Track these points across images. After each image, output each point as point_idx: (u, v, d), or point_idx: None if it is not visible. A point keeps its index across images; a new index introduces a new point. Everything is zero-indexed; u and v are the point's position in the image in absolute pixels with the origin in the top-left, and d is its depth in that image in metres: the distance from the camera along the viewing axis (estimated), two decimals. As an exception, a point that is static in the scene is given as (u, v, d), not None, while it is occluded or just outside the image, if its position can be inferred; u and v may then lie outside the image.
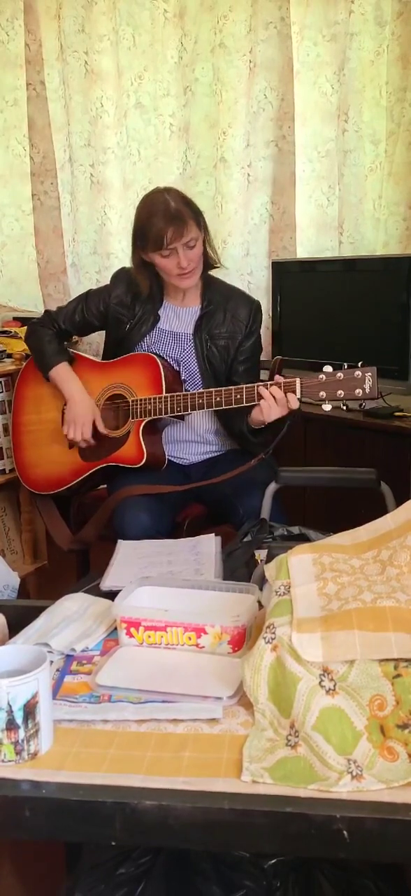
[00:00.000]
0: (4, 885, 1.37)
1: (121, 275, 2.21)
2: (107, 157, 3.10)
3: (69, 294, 3.13)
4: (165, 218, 1.95)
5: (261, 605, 1.14)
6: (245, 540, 1.50)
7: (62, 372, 2.17)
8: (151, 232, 1.97)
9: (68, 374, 2.16)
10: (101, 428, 2.09)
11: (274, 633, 0.95)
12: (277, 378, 1.89)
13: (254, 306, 2.17)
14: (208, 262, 2.12)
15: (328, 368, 1.84)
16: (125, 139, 3.13)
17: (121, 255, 3.12)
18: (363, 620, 0.92)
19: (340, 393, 1.83)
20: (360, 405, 1.87)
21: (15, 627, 1.16)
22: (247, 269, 3.15)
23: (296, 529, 1.52)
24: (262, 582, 1.21)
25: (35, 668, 0.88)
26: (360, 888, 1.11)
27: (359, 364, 1.82)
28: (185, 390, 2.08)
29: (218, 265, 2.16)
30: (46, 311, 2.32)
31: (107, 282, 2.27)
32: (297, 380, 1.86)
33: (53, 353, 2.18)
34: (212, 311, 2.12)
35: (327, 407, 1.86)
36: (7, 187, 3.19)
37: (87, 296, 2.23)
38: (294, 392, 1.85)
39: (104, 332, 2.25)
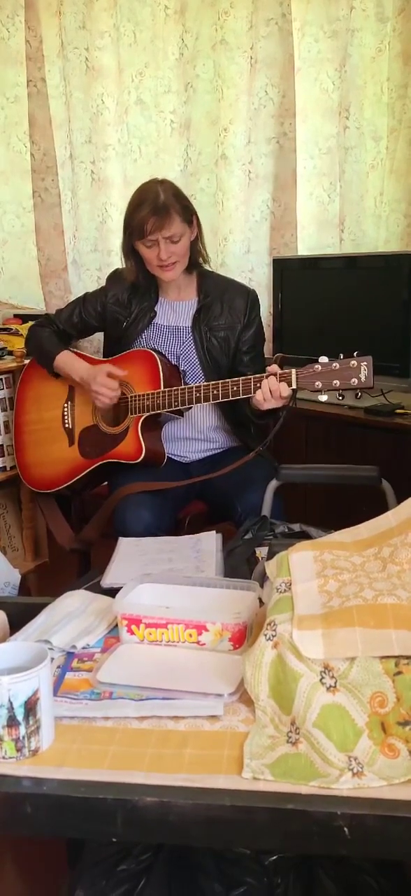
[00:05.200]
0: (6, 881, 1.37)
1: (116, 275, 2.23)
2: (107, 153, 3.10)
3: (70, 291, 3.13)
4: (150, 209, 1.97)
5: (261, 603, 1.14)
6: (246, 537, 1.50)
7: (66, 358, 2.18)
8: (135, 220, 2.00)
9: (73, 358, 2.17)
10: (118, 372, 2.06)
11: (275, 630, 0.95)
12: (274, 368, 1.89)
13: (251, 296, 2.17)
14: (197, 260, 2.13)
15: (324, 359, 1.84)
16: (126, 136, 3.13)
17: (122, 253, 3.12)
18: (364, 617, 0.92)
19: (336, 382, 1.84)
20: (357, 395, 1.87)
21: (16, 624, 1.16)
22: (248, 266, 3.15)
23: (296, 527, 1.52)
24: (263, 579, 1.21)
25: (36, 665, 0.88)
26: (361, 885, 1.11)
27: (355, 353, 1.82)
28: (185, 383, 2.08)
29: (207, 264, 2.17)
30: (45, 315, 2.35)
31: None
32: (293, 370, 1.87)
33: (54, 345, 2.20)
34: (208, 303, 2.13)
35: (323, 397, 1.87)
36: (8, 184, 3.18)
37: (85, 298, 2.25)
38: (289, 383, 1.86)
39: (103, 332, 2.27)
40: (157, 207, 1.97)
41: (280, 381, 1.86)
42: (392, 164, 2.97)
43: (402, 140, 2.91)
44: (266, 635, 0.95)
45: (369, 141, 3.00)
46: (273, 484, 1.81)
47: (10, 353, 2.70)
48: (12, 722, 0.86)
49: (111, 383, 2.06)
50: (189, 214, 2.04)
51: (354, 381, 1.82)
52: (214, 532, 1.56)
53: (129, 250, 2.10)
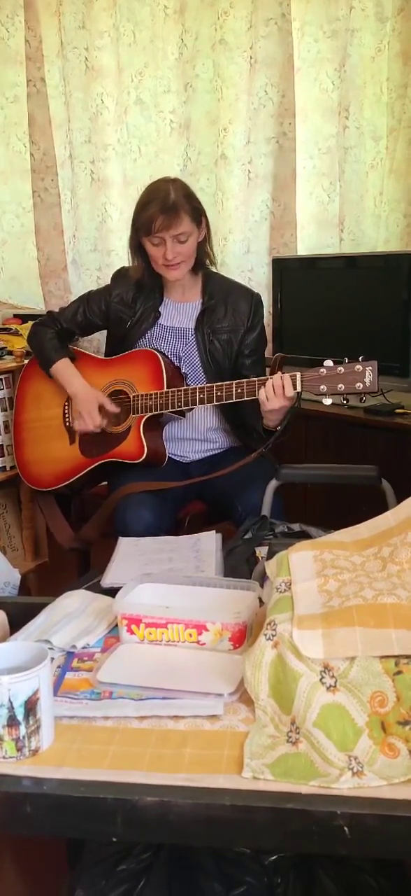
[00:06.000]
0: (6, 881, 1.37)
1: (121, 274, 2.23)
2: (107, 153, 3.10)
3: (70, 291, 3.13)
4: (159, 207, 1.97)
5: (261, 602, 1.15)
6: (246, 537, 1.50)
7: (63, 367, 2.17)
8: (143, 216, 2.00)
9: (70, 370, 2.17)
10: (110, 407, 2.08)
11: (275, 629, 0.95)
12: (279, 372, 1.90)
13: (255, 299, 2.17)
14: (203, 261, 2.13)
15: (328, 363, 1.84)
16: (125, 136, 3.13)
17: (122, 252, 3.11)
18: (364, 617, 0.92)
19: (341, 387, 1.84)
20: (361, 399, 1.87)
21: (16, 624, 1.16)
22: (247, 265, 3.15)
23: (296, 526, 1.52)
24: (263, 579, 1.21)
25: (36, 664, 0.88)
26: (361, 885, 1.11)
27: (360, 358, 1.82)
28: (187, 384, 2.08)
29: (213, 266, 2.17)
30: (49, 312, 2.34)
31: (108, 279, 2.29)
32: (298, 373, 1.87)
33: (54, 349, 2.19)
34: (213, 305, 2.13)
35: (327, 401, 1.87)
36: (7, 184, 3.18)
37: (89, 296, 2.25)
38: (294, 386, 1.86)
39: (105, 331, 2.27)
40: (167, 206, 1.96)
41: (283, 381, 1.86)
42: (391, 163, 2.97)
43: (402, 140, 2.91)
44: (266, 635, 0.95)
45: (369, 141, 3.00)
46: (273, 484, 1.81)
47: (10, 353, 2.70)
48: (12, 722, 0.86)
49: (96, 417, 2.08)
50: (198, 215, 2.04)
51: (359, 385, 1.82)
52: (214, 532, 1.56)
53: (136, 247, 2.10)
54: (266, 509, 1.77)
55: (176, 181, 2.06)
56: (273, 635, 0.94)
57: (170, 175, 2.17)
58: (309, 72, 3.01)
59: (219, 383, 1.98)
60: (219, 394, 1.97)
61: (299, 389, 1.86)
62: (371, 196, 3.04)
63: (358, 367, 1.82)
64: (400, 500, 1.17)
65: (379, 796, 0.80)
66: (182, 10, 3.02)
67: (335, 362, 1.84)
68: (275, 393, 1.86)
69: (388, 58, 2.92)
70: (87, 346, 2.84)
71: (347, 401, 1.87)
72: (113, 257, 3.12)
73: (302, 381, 1.86)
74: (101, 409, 2.09)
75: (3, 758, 0.87)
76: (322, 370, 1.85)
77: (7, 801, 0.84)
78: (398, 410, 2.55)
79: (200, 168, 3.13)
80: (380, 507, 1.22)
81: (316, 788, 0.81)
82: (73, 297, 2.54)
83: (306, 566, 1.05)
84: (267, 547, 1.38)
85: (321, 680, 0.89)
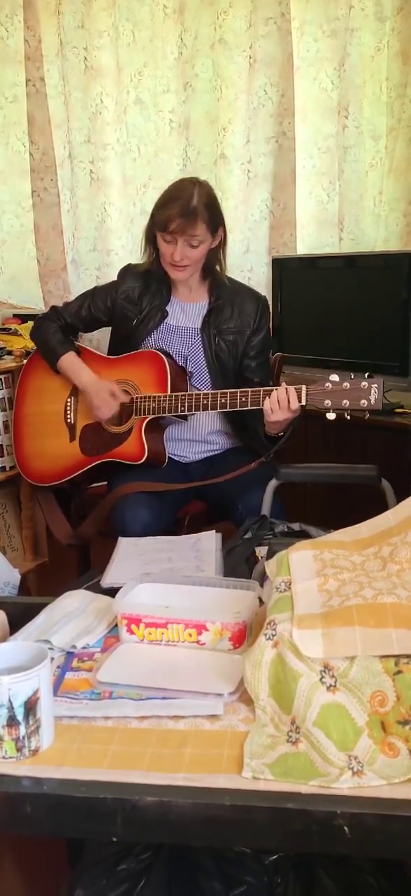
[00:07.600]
0: (6, 880, 1.37)
1: (128, 270, 2.22)
2: (106, 153, 3.10)
3: (69, 291, 3.13)
4: (179, 209, 1.96)
5: (261, 602, 1.15)
6: (245, 537, 1.50)
7: (70, 361, 2.17)
8: (162, 214, 2.00)
9: (77, 363, 2.17)
10: (121, 395, 2.08)
11: (274, 629, 0.95)
12: (283, 384, 1.90)
13: (262, 302, 2.17)
14: (213, 267, 2.13)
15: (334, 377, 1.84)
16: (125, 136, 3.13)
17: (122, 252, 3.11)
18: (364, 617, 0.92)
19: (345, 402, 1.83)
20: (365, 416, 1.87)
21: (16, 624, 1.16)
22: (247, 265, 3.15)
23: (296, 526, 1.52)
24: (263, 578, 1.21)
25: (36, 664, 0.88)
26: (361, 884, 1.11)
27: (366, 374, 1.82)
28: (192, 385, 2.08)
29: (220, 275, 2.16)
30: (52, 307, 2.32)
31: (107, 279, 2.28)
32: (303, 387, 1.87)
33: (59, 343, 2.19)
34: (219, 306, 2.13)
35: (331, 415, 1.86)
36: (7, 184, 3.18)
37: (94, 291, 2.24)
38: (299, 399, 1.86)
39: (108, 328, 2.26)
40: (187, 210, 1.96)
41: (288, 394, 1.86)
42: (391, 163, 2.97)
43: (401, 139, 2.91)
44: (266, 635, 0.95)
45: (368, 140, 3.01)
46: (272, 483, 1.81)
47: (10, 352, 2.70)
48: (12, 722, 0.86)
49: (112, 402, 2.07)
50: (216, 225, 2.04)
51: (364, 402, 1.82)
52: (214, 531, 1.56)
53: (150, 237, 2.09)
54: (266, 509, 1.77)
55: (202, 185, 2.04)
56: (273, 635, 0.94)
57: (167, 176, 2.16)
58: (308, 71, 3.01)
59: (223, 391, 1.97)
60: (222, 401, 1.96)
61: (304, 403, 1.86)
62: (370, 195, 3.04)
63: (364, 384, 1.81)
64: (399, 499, 1.17)
65: (379, 796, 0.80)
66: (181, 10, 3.02)
67: (340, 377, 1.83)
68: (280, 406, 1.86)
69: (388, 57, 2.92)
70: (87, 346, 2.83)
71: (350, 416, 1.86)
72: (112, 257, 3.12)
73: (306, 395, 1.86)
74: (113, 396, 2.09)
75: (3, 758, 0.87)
76: (327, 384, 1.84)
77: (7, 801, 0.84)
78: (397, 410, 2.55)
79: (200, 168, 3.13)
80: (380, 507, 1.22)
81: (316, 788, 0.81)
82: (73, 297, 2.54)
83: (306, 566, 1.05)
84: (267, 547, 1.38)
85: (321, 679, 0.89)
